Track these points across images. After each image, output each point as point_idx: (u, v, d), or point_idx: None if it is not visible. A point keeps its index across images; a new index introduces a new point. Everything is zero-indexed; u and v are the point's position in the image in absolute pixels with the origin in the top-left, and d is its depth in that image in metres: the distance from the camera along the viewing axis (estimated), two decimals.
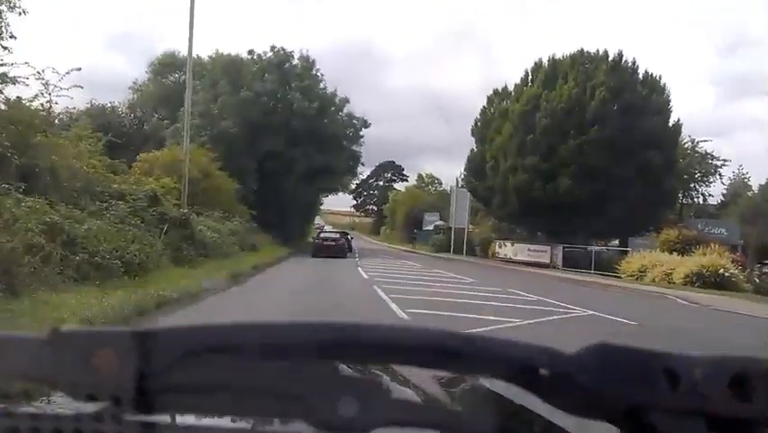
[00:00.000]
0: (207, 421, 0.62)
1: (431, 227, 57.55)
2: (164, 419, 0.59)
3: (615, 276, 26.17)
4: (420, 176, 76.16)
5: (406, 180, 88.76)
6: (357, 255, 37.63)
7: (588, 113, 29.44)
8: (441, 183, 74.36)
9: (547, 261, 32.55)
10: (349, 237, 39.83)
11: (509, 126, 32.42)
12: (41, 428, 0.54)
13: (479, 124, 37.39)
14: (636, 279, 24.61)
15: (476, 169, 36.74)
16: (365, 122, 43.29)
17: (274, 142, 37.69)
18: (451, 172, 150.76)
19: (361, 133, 43.42)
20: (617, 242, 35.44)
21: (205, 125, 37.19)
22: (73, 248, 11.13)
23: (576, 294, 17.95)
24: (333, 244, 32.77)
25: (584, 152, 28.95)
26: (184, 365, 0.56)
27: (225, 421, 0.61)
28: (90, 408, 0.55)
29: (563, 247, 31.14)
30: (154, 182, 25.25)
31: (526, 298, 15.85)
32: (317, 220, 75.61)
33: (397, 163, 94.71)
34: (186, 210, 19.21)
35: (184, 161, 21.80)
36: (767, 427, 0.58)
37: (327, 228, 51.06)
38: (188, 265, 16.25)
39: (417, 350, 0.59)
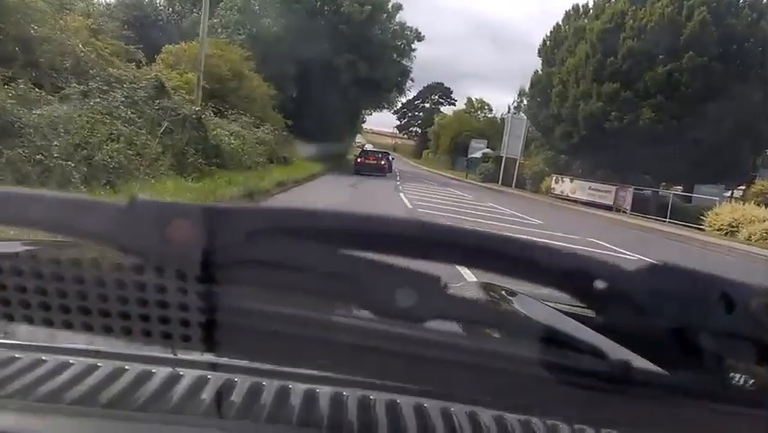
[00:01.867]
0: (270, 296, 0.61)
1: (477, 155, 53.33)
2: (229, 291, 0.59)
3: (697, 228, 22.08)
4: (470, 100, 71.08)
5: (454, 105, 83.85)
6: (398, 179, 33.92)
7: (682, 36, 24.57)
8: (491, 110, 69.52)
9: (610, 202, 28.40)
10: (390, 158, 38.34)
11: (586, 47, 27.67)
12: (107, 290, 0.56)
13: (548, 43, 32.57)
14: (726, 234, 20.47)
15: (539, 94, 32.20)
16: (419, 34, 38.66)
17: (318, 47, 33.42)
18: (499, 101, 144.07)
19: (414, 47, 38.90)
20: (680, 188, 31.06)
21: (244, 22, 33.11)
22: (8, 140, 7.60)
23: (681, 252, 14.15)
24: (375, 162, 32.64)
25: (674, 81, 24.31)
26: (252, 243, 0.57)
27: (288, 300, 0.60)
28: (156, 278, 0.56)
29: (634, 189, 26.88)
30: (177, 77, 21.64)
31: (622, 255, 12.03)
32: (358, 138, 71.68)
33: (446, 85, 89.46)
34: (198, 107, 15.45)
35: (200, 44, 17.92)
36: None
37: (368, 146, 48.23)
38: (193, 176, 12.65)
39: (479, 252, 0.58)
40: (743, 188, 30.97)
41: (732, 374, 0.60)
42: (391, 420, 0.65)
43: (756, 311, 0.54)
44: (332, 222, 0.60)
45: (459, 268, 0.71)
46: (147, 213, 0.57)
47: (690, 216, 24.08)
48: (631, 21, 25.93)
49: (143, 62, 20.06)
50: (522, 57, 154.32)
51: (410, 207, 16.68)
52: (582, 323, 0.75)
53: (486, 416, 0.67)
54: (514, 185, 37.55)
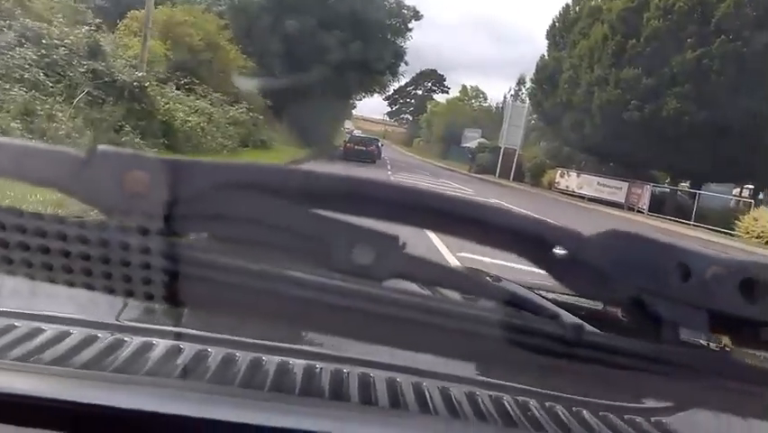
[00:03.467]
0: (234, 251, 0.59)
1: (471, 144, 50.20)
2: (191, 246, 0.58)
3: (726, 233, 19.10)
4: (464, 88, 67.69)
5: (447, 92, 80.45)
6: (389, 168, 30.70)
7: (713, 18, 21.45)
8: (486, 98, 66.29)
9: (620, 199, 25.38)
10: (379, 144, 36.65)
11: (603, 28, 24.41)
12: (68, 239, 0.54)
13: (557, 24, 29.32)
14: (767, 242, 17.48)
15: (546, 80, 29.00)
16: (416, 12, 35.29)
17: (306, 22, 30.05)
18: (494, 90, 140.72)
19: (410, 26, 35.53)
20: (686, 184, 28.13)
21: None
22: None
23: None
24: (364, 149, 31.42)
25: (703, 68, 21.17)
26: (213, 197, 0.56)
27: (251, 255, 0.58)
28: (118, 230, 0.55)
29: (652, 186, 23.83)
30: (138, 44, 18.29)
31: None
32: (347, 124, 68.27)
33: (439, 72, 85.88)
34: (141, 74, 12.06)
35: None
36: None
37: (357, 132, 45.25)
38: None
39: (437, 213, 0.58)
40: (750, 186, 28.21)
41: (685, 341, 0.58)
42: (363, 390, 0.70)
43: (711, 280, 0.53)
44: (301, 180, 0.59)
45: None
46: (106, 164, 0.55)
47: (716, 218, 21.09)
48: (656, 0, 22.76)
49: (99, 27, 16.73)
50: (520, 44, 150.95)
51: None
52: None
53: (456, 390, 0.72)
54: (512, 177, 34.43)
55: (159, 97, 12.68)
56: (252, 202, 0.56)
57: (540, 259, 0.58)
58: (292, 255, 0.58)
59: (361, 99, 56.56)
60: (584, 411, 0.75)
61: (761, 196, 24.56)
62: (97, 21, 14.62)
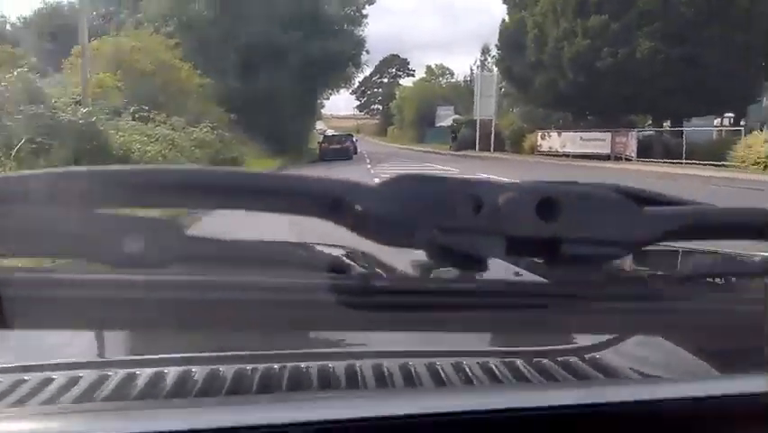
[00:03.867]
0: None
1: (446, 123, 49.41)
2: None
3: (720, 165, 18.46)
4: (429, 68, 66.71)
5: (413, 75, 79.50)
6: (368, 160, 29.85)
7: None
8: (452, 74, 65.43)
9: (607, 151, 24.65)
10: (354, 139, 36.55)
11: None
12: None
13: None
14: (765, 168, 16.82)
15: (511, 44, 28.20)
16: None
17: (258, 27, 29.06)
18: (459, 66, 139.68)
19: (365, 12, 34.57)
20: (668, 124, 27.49)
21: (172, 12, 28.53)
22: None
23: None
24: (339, 146, 31.48)
25: (671, 2, 20.46)
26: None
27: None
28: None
29: (637, 132, 23.11)
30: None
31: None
32: (319, 125, 67.20)
33: (402, 57, 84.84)
34: (86, 109, 11.14)
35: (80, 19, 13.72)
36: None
37: (330, 132, 44.58)
38: None
39: (224, 190, 0.57)
40: (731, 115, 27.62)
41: (484, 270, 0.58)
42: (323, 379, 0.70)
43: (504, 206, 0.54)
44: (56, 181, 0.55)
45: None
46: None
47: (705, 153, 20.38)
48: None
49: (36, 68, 15.81)
50: (477, 15, 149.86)
51: None
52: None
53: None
54: (492, 148, 33.67)
55: (112, 131, 11.78)
56: (20, 211, 0.53)
57: (340, 218, 0.56)
58: (62, 256, 0.56)
59: (328, 98, 55.66)
60: (517, 361, 0.74)
61: (742, 122, 23.92)
62: (33, 59, 13.72)
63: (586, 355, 0.76)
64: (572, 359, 0.75)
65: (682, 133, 22.31)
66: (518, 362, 0.73)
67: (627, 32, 21.21)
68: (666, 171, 17.97)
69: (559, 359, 0.75)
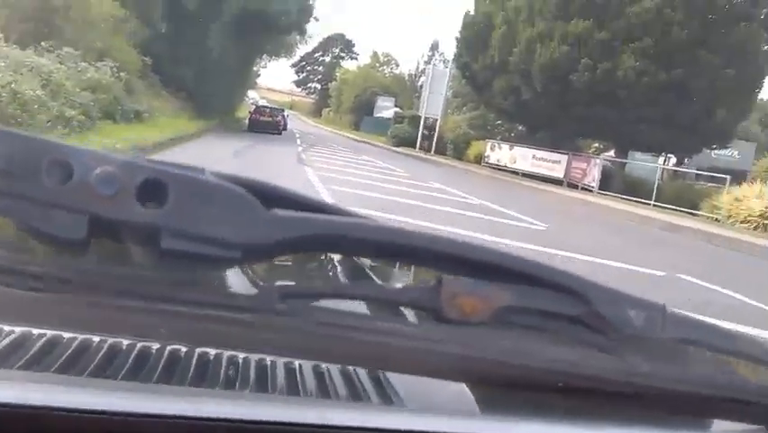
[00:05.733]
0: None
1: (386, 114, 46.28)
2: None
3: (697, 215, 16.09)
4: (375, 54, 63.32)
5: (356, 59, 75.88)
6: (299, 143, 26.33)
7: None
8: (398, 65, 62.32)
9: (560, 175, 22.07)
10: (285, 115, 35.52)
11: None
12: None
13: None
14: (756, 228, 14.45)
15: (475, 38, 25.22)
16: None
17: None
18: (405, 60, 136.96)
19: None
20: (611, 153, 25.40)
21: None
22: None
23: None
24: (270, 120, 30.60)
25: (666, 19, 17.94)
26: None
27: None
28: None
29: (604, 160, 20.54)
30: None
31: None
32: (251, 94, 62.69)
33: (347, 38, 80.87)
34: None
35: None
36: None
37: (263, 102, 41.30)
38: None
39: None
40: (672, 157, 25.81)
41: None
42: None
43: (97, 180, 0.46)
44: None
45: None
46: None
47: (677, 197, 18.03)
48: None
49: None
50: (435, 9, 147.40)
51: (324, 190, 9.41)
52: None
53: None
54: (433, 150, 30.73)
55: None
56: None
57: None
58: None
59: (265, 66, 51.33)
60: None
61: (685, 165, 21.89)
62: None
63: None
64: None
65: (660, 169, 19.89)
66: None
67: (611, 44, 18.58)
68: (640, 213, 15.33)
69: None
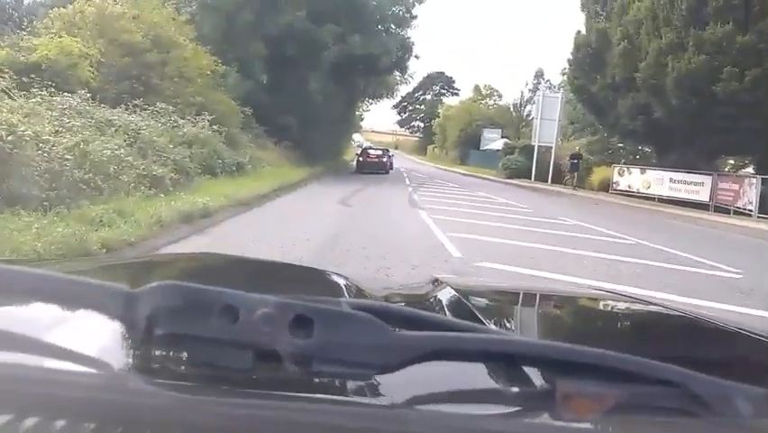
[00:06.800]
0: None
1: (494, 146, 44.39)
2: None
3: None
4: (477, 87, 61.64)
5: (458, 94, 74.55)
6: (408, 182, 25.04)
7: None
8: (501, 96, 60.34)
9: (706, 198, 19.40)
10: (391, 155, 35.54)
11: None
12: None
13: None
14: None
15: (589, 59, 23.15)
16: None
17: (292, 15, 24.49)
18: (506, 89, 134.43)
19: (414, 13, 29.78)
20: (749, 170, 22.12)
21: None
22: None
23: None
24: (377, 160, 31.51)
25: None
26: None
27: None
28: None
29: (760, 177, 17.69)
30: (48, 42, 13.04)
31: None
32: (355, 137, 62.62)
33: (447, 75, 79.82)
34: None
35: None
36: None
37: (368, 144, 43.34)
38: None
39: None
40: None
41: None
42: None
43: (259, 320, 0.55)
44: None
45: None
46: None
47: None
48: None
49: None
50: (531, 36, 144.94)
51: (458, 254, 7.70)
52: None
53: None
54: (550, 180, 28.55)
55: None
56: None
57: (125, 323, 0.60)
58: None
59: (368, 109, 50.91)
60: None
61: None
62: None
63: None
64: None
65: None
66: None
67: (759, 47, 16.04)
68: None
69: None
